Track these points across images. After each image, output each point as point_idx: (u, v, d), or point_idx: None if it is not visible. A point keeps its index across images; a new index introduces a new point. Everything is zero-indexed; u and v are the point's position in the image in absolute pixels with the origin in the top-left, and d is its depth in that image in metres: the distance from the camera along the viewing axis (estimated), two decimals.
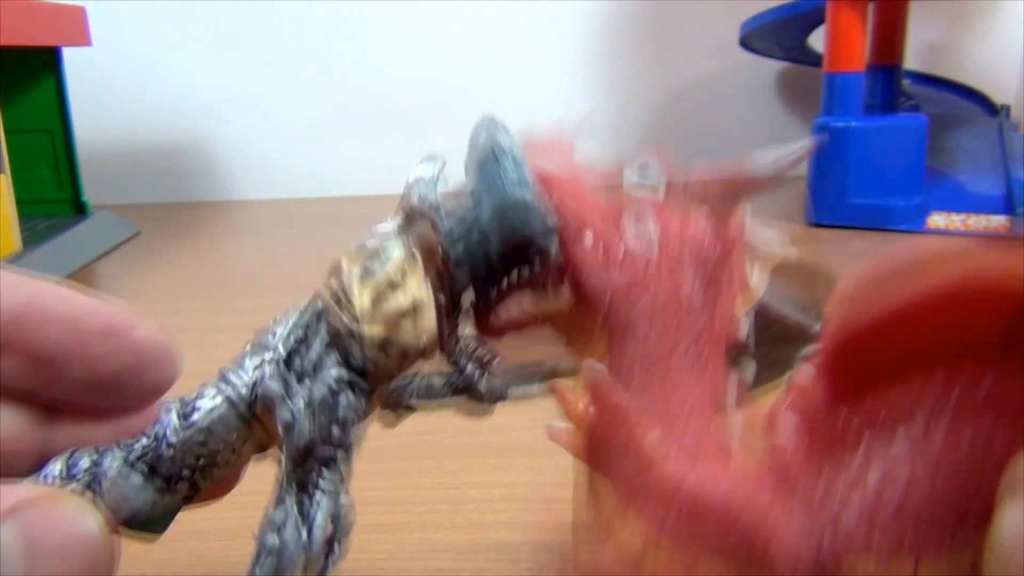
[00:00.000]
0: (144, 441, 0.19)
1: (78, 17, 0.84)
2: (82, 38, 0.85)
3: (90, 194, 1.13)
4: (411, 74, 1.12)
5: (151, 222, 1.00)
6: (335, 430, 0.19)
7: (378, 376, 0.20)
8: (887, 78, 0.94)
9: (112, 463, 0.19)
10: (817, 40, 1.03)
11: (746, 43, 1.03)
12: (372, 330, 0.19)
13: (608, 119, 1.14)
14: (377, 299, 0.19)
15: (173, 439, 0.19)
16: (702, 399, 0.21)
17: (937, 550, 0.17)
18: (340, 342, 0.20)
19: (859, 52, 0.82)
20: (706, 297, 0.21)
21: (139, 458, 0.19)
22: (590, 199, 0.21)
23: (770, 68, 1.14)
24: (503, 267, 0.20)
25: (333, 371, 0.20)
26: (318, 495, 0.19)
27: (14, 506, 0.16)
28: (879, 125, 0.83)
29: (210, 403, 0.20)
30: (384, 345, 0.19)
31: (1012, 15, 1.13)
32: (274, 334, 0.20)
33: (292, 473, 0.19)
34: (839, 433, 0.19)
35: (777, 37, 1.01)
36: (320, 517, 0.19)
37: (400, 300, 0.20)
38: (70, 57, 1.09)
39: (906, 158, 0.84)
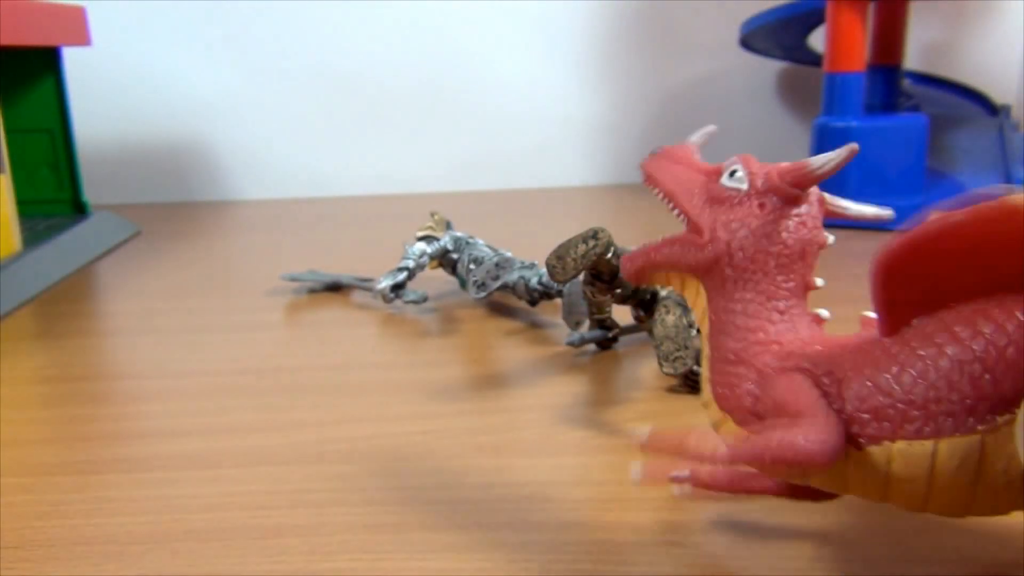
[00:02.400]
0: None
1: (78, 17, 0.84)
2: (82, 38, 0.85)
3: (90, 194, 1.13)
4: (411, 74, 1.12)
5: (151, 222, 1.00)
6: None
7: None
8: (887, 78, 0.94)
9: None
10: (817, 40, 1.03)
11: (746, 43, 1.03)
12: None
13: (608, 119, 1.14)
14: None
15: None
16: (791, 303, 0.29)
17: (951, 434, 0.24)
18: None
19: (859, 52, 0.82)
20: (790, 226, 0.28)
21: None
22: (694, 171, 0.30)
23: (770, 68, 1.14)
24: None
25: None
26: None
27: None
28: (879, 125, 0.83)
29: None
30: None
31: (1012, 15, 1.13)
32: None
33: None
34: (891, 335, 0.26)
35: (777, 37, 1.01)
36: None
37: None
38: (70, 57, 1.09)
39: (906, 158, 0.84)
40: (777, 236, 0.28)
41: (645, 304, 0.47)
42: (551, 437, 0.41)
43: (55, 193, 0.90)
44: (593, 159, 1.15)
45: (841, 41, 0.81)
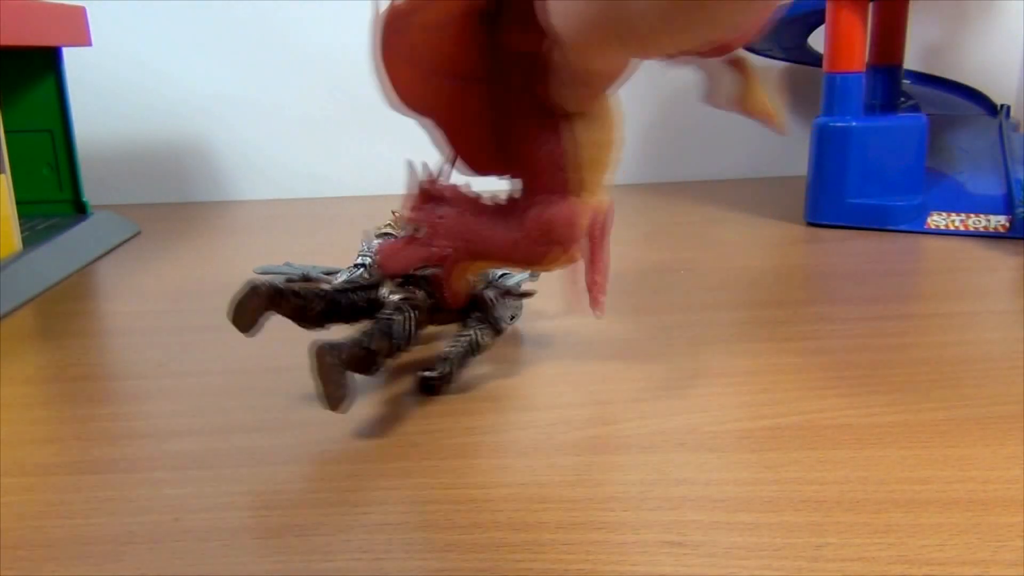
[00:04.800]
0: None
1: (78, 17, 0.84)
2: (82, 38, 0.85)
3: (90, 194, 1.13)
4: None
5: (151, 222, 1.00)
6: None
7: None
8: (887, 78, 0.94)
9: None
10: (817, 40, 1.03)
11: (746, 43, 1.03)
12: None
13: None
14: None
15: None
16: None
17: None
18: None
19: (859, 52, 0.82)
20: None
21: None
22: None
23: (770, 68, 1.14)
24: None
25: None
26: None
27: None
28: (879, 125, 0.83)
29: None
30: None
31: (1012, 15, 1.13)
32: None
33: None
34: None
35: (777, 37, 1.00)
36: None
37: None
38: (70, 57, 1.09)
39: (906, 158, 0.84)
40: None
41: (470, 309, 0.50)
42: (551, 437, 0.41)
43: (55, 193, 0.90)
44: None
45: (841, 41, 0.81)
